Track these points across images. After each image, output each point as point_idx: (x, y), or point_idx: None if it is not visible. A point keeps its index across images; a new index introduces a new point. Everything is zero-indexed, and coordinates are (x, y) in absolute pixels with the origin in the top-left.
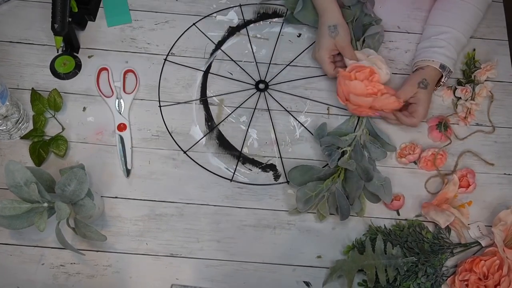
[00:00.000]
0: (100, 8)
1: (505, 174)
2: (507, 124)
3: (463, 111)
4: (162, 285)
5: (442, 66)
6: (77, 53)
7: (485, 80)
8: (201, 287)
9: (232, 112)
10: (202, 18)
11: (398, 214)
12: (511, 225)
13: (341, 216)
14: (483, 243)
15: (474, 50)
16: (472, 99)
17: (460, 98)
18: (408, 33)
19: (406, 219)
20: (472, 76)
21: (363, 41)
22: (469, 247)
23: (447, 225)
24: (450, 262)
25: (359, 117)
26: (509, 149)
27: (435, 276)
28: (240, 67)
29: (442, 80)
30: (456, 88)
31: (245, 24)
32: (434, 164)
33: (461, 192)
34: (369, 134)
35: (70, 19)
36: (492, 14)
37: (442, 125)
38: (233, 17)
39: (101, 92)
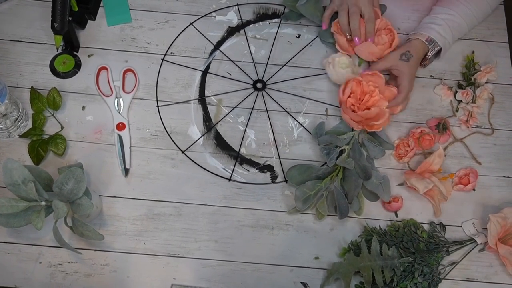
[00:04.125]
0: (100, 8)
1: (504, 176)
2: (506, 127)
3: (464, 114)
4: (159, 285)
5: (430, 40)
6: (77, 52)
7: (486, 83)
8: (201, 287)
9: (229, 112)
10: (200, 18)
11: (396, 215)
12: (511, 224)
13: (340, 215)
14: (478, 240)
15: (473, 52)
16: (473, 102)
17: (461, 101)
18: (408, 34)
19: (401, 220)
20: (472, 79)
21: None
22: (465, 244)
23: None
24: (446, 260)
25: None
26: (508, 152)
27: (431, 275)
28: (239, 67)
29: (428, 54)
30: (456, 91)
31: (244, 24)
32: (418, 143)
33: (459, 188)
34: (367, 133)
35: (70, 18)
36: (492, 16)
37: (441, 126)
38: (232, 17)
39: (101, 91)
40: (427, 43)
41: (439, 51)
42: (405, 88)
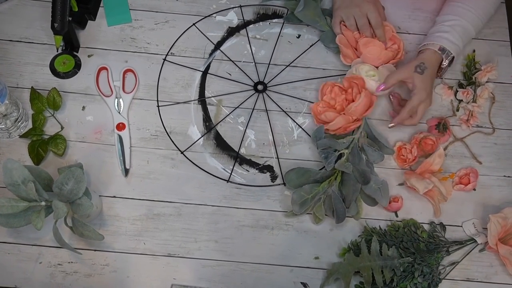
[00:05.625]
0: (100, 8)
1: (504, 176)
2: (507, 126)
3: (465, 114)
4: (159, 285)
5: (442, 49)
6: (77, 52)
7: (486, 82)
8: (201, 287)
9: (230, 113)
10: (202, 19)
11: (397, 215)
12: (511, 225)
13: (337, 219)
14: (479, 240)
15: (474, 51)
16: (474, 101)
17: (462, 100)
18: (409, 33)
19: (401, 220)
20: (473, 78)
21: None
22: (465, 244)
23: (438, 220)
24: (446, 260)
25: None
26: (509, 151)
27: (431, 275)
28: (239, 67)
29: (443, 63)
30: (457, 91)
31: (244, 24)
32: (420, 147)
33: (459, 188)
34: (367, 137)
35: (70, 18)
36: (493, 15)
37: (441, 126)
38: (232, 18)
39: (101, 92)
40: (440, 52)
41: (453, 59)
42: (412, 103)
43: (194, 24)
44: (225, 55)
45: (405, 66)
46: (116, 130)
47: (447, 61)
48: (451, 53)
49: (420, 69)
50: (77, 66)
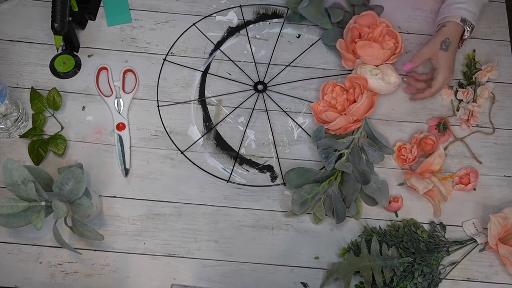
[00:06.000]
0: (100, 8)
1: (505, 176)
2: (507, 126)
3: (465, 113)
4: (159, 285)
5: (464, 20)
6: (77, 52)
7: (486, 81)
8: (201, 287)
9: (230, 113)
10: (202, 18)
11: (397, 215)
12: (511, 224)
13: (337, 219)
14: (479, 240)
15: (474, 51)
16: (474, 101)
17: (462, 100)
18: (409, 33)
19: (401, 220)
20: (473, 78)
21: None
22: (465, 244)
23: (438, 219)
24: (446, 260)
25: None
26: (509, 151)
27: (431, 275)
28: (239, 67)
29: (465, 34)
30: (457, 91)
31: (244, 24)
32: (420, 147)
33: (459, 188)
34: (367, 137)
35: (70, 18)
36: (494, 15)
37: (442, 126)
38: (232, 18)
39: (101, 92)
40: (461, 23)
41: (473, 28)
42: (438, 83)
43: (194, 24)
44: (225, 55)
45: (430, 43)
46: (116, 130)
47: (469, 32)
48: (472, 23)
49: (445, 45)
50: (77, 66)
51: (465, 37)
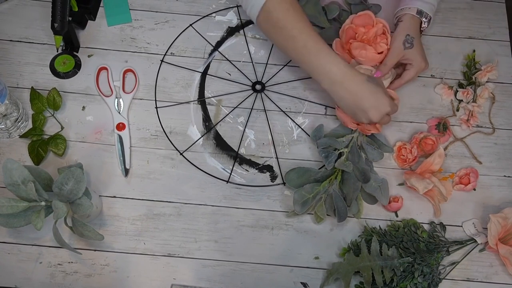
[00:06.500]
0: (100, 8)
1: (504, 176)
2: (507, 126)
3: (465, 114)
4: (159, 285)
5: (420, 12)
6: (77, 52)
7: (486, 82)
8: (201, 287)
9: (229, 113)
10: (200, 19)
11: (397, 215)
12: (511, 225)
13: (339, 218)
14: (479, 240)
15: (474, 51)
16: (474, 101)
17: (462, 100)
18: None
19: (401, 220)
20: (473, 78)
21: None
22: (465, 244)
23: (438, 219)
24: (446, 260)
25: None
26: (509, 151)
27: (431, 275)
28: (237, 68)
29: (422, 26)
30: (457, 91)
31: (244, 24)
32: (420, 147)
33: (459, 188)
34: (366, 136)
35: (70, 18)
36: (493, 15)
37: (441, 126)
38: (232, 18)
39: (101, 92)
40: (418, 16)
41: (430, 19)
42: (410, 74)
43: (191, 25)
44: (223, 55)
45: (393, 49)
46: (116, 130)
47: (426, 24)
48: (429, 14)
49: (409, 43)
50: (77, 66)
51: (423, 28)
